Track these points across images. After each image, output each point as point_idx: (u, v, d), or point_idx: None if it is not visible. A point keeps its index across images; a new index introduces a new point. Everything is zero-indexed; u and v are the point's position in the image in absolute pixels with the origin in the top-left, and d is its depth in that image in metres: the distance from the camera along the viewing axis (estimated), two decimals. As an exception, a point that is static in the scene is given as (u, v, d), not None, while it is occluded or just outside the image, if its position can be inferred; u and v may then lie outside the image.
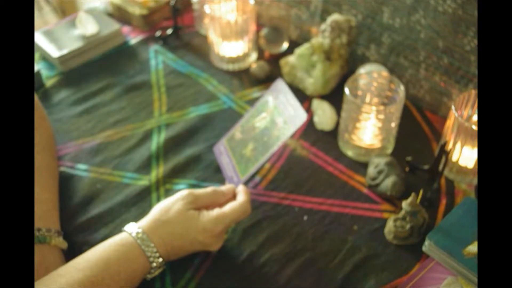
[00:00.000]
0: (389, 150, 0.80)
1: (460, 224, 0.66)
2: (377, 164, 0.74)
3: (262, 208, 0.72)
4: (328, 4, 0.93)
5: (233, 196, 0.67)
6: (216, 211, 0.62)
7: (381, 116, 0.74)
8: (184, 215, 0.61)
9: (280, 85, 0.74)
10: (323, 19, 0.95)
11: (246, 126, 0.76)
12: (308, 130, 0.84)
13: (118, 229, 0.69)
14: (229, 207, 0.63)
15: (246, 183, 0.71)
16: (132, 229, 0.60)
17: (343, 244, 0.68)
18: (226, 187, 0.68)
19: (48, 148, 0.73)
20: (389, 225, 0.68)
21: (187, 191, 0.64)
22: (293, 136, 0.83)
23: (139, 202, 0.73)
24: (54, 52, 0.95)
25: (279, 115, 0.72)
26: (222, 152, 0.77)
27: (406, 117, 0.84)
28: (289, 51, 0.96)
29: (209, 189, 0.66)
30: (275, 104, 0.73)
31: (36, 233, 0.62)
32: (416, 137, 0.83)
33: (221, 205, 0.64)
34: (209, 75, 0.96)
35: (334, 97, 0.87)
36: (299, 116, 0.69)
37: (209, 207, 0.64)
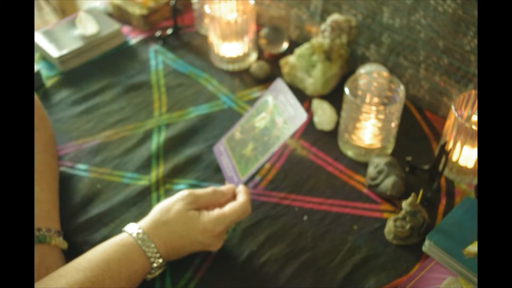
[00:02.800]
0: (389, 150, 0.80)
1: (460, 224, 0.66)
2: (377, 164, 0.74)
3: (262, 208, 0.72)
4: (328, 4, 0.93)
5: (233, 196, 0.67)
6: (216, 212, 0.62)
7: (381, 116, 0.74)
8: (184, 215, 0.61)
9: (279, 85, 0.74)
10: (323, 19, 0.95)
11: (246, 126, 0.76)
12: (308, 130, 0.84)
13: (118, 229, 0.69)
14: (229, 207, 0.63)
15: (246, 183, 0.71)
16: (133, 229, 0.60)
17: (343, 244, 0.68)
18: (226, 187, 0.68)
19: (49, 148, 0.73)
20: (389, 225, 0.68)
21: (187, 191, 0.64)
22: (293, 136, 0.83)
23: (139, 202, 0.73)
24: (54, 52, 0.95)
25: (279, 115, 0.72)
26: (222, 152, 0.77)
27: (406, 117, 0.84)
28: (289, 51, 0.96)
29: (209, 189, 0.66)
30: (275, 104, 0.73)
31: (36, 233, 0.62)
32: (416, 137, 0.83)
33: (221, 205, 0.64)
34: (209, 75, 0.96)
35: (334, 97, 0.87)
36: (299, 115, 0.69)
37: (209, 207, 0.64)
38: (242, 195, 0.66)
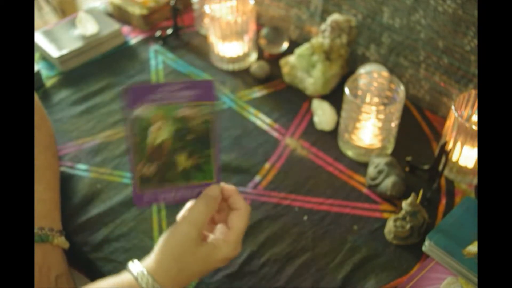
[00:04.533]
0: (389, 150, 0.80)
1: (460, 224, 0.66)
2: (377, 164, 0.74)
3: (262, 208, 0.72)
4: (328, 4, 0.93)
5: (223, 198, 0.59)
6: (231, 236, 0.56)
7: (381, 116, 0.74)
8: (199, 254, 0.54)
9: (136, 91, 0.53)
10: (323, 19, 0.95)
11: (145, 155, 0.55)
12: (308, 130, 0.84)
13: (118, 229, 0.69)
14: (236, 221, 0.56)
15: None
16: (142, 280, 0.53)
17: (343, 244, 0.68)
18: (213, 191, 0.57)
19: (50, 147, 0.73)
20: (389, 225, 0.68)
21: (188, 226, 0.55)
22: (293, 136, 0.83)
23: (139, 202, 0.73)
24: (54, 52, 0.95)
25: (178, 108, 0.54)
26: (158, 194, 0.57)
27: (406, 117, 0.84)
28: (289, 51, 0.96)
29: (201, 204, 0.56)
30: (159, 106, 0.54)
31: (38, 232, 0.62)
32: (416, 137, 0.83)
33: (218, 211, 0.59)
34: (209, 75, 0.96)
35: (334, 97, 0.87)
36: (204, 85, 0.54)
37: (211, 220, 0.59)
38: (236, 199, 0.58)
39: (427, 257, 0.65)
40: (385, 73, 0.78)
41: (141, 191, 0.56)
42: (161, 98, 0.53)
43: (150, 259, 0.54)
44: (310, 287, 0.63)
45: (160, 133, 0.55)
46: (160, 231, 0.70)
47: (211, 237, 0.56)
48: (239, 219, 0.56)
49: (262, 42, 0.98)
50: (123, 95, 0.52)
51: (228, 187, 0.59)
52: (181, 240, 0.54)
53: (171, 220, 0.69)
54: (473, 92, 0.71)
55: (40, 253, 0.61)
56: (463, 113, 0.73)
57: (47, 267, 0.61)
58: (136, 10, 1.06)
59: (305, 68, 0.89)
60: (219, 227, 0.56)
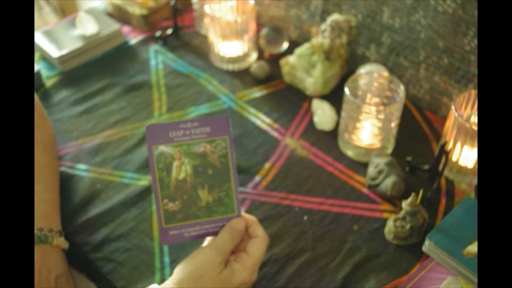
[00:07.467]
0: (389, 150, 0.80)
1: (460, 224, 0.66)
2: (377, 164, 0.74)
3: (262, 208, 0.72)
4: (328, 4, 0.93)
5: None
6: (249, 262, 0.56)
7: (381, 116, 0.74)
8: (218, 280, 0.55)
9: (157, 128, 0.57)
10: (323, 19, 0.95)
11: (170, 191, 0.57)
12: (308, 130, 0.84)
13: (118, 229, 0.69)
14: (255, 249, 0.57)
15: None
16: None
17: (343, 244, 0.68)
18: (237, 224, 0.59)
19: (49, 148, 0.73)
20: (389, 225, 0.68)
21: (212, 251, 0.56)
22: (293, 136, 0.83)
23: (139, 202, 0.73)
24: (54, 52, 0.95)
25: (198, 144, 0.57)
26: (183, 229, 0.58)
27: (406, 117, 0.84)
28: (289, 51, 0.96)
29: (228, 235, 0.57)
30: (177, 143, 0.57)
31: (38, 233, 0.62)
32: (416, 137, 0.83)
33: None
34: (209, 75, 0.96)
35: (334, 97, 0.87)
36: (219, 121, 0.57)
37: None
38: (256, 228, 0.59)
39: (427, 257, 0.65)
40: (385, 73, 0.78)
41: (166, 226, 0.57)
42: (179, 136, 0.57)
43: (169, 280, 0.54)
44: (310, 287, 0.63)
45: (183, 169, 0.57)
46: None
47: (230, 262, 0.57)
48: (258, 246, 0.57)
49: (262, 42, 0.98)
50: (145, 132, 0.54)
51: (249, 217, 0.60)
52: (204, 263, 0.55)
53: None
54: (473, 92, 0.71)
55: (39, 254, 0.61)
56: (463, 113, 0.73)
57: (47, 267, 0.61)
58: (136, 10, 1.06)
59: (305, 68, 0.89)
60: (238, 253, 0.57)
